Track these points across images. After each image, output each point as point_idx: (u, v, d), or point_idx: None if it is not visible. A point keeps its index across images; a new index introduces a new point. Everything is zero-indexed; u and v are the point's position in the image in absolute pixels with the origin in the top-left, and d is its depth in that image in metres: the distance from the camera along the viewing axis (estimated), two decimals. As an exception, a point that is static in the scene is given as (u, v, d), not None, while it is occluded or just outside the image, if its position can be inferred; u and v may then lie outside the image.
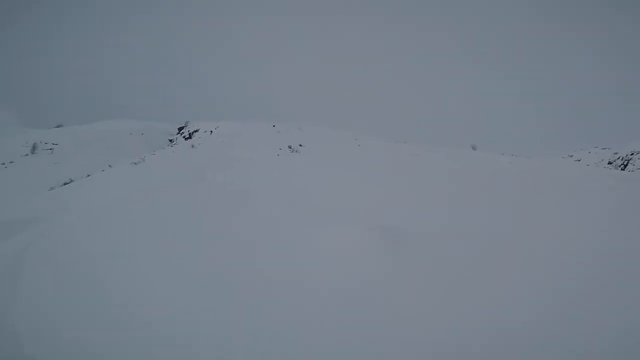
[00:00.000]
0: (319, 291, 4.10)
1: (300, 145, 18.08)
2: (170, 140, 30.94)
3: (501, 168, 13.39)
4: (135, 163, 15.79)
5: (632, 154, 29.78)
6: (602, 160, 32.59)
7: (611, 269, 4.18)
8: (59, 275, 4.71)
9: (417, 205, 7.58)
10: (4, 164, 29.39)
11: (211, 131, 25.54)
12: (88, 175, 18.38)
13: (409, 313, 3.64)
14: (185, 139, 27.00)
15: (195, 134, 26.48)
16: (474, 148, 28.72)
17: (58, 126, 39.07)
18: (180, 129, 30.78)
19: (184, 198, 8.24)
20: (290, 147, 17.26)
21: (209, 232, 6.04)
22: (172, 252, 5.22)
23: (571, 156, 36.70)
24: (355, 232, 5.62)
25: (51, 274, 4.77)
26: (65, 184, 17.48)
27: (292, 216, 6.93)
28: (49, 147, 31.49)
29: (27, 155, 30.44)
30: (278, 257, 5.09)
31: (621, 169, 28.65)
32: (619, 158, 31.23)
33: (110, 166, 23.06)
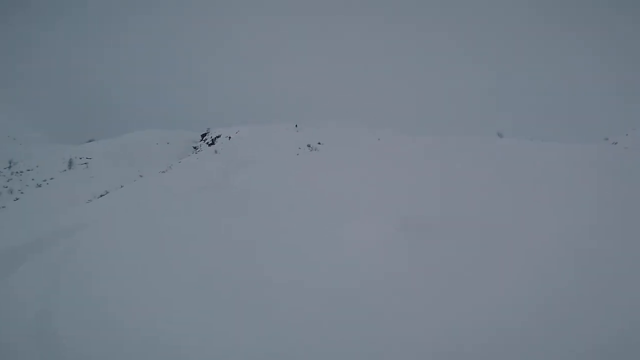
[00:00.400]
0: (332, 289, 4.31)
1: (319, 144, 18.38)
2: (195, 148, 31.99)
3: (530, 155, 12.98)
4: (163, 172, 16.57)
5: None
6: None
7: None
8: (84, 291, 4.90)
9: (440, 197, 7.60)
10: (45, 180, 31.33)
11: (232, 137, 26.24)
12: (122, 186, 19.41)
13: (425, 305, 3.80)
14: (209, 145, 27.88)
15: (217, 139, 27.31)
16: (500, 135, 28.05)
17: (90, 140, 41.15)
18: (203, 135, 31.78)
19: (208, 202, 8.68)
20: (309, 146, 17.60)
21: (232, 234, 6.35)
22: (194, 256, 5.52)
23: (607, 139, 34.63)
24: (376, 226, 5.76)
25: (91, 278, 5.09)
26: (101, 195, 18.53)
27: (312, 213, 7.17)
28: (84, 162, 33.24)
29: (65, 170, 32.29)
30: (298, 252, 5.32)
31: None
32: None
33: (141, 176, 24.19)
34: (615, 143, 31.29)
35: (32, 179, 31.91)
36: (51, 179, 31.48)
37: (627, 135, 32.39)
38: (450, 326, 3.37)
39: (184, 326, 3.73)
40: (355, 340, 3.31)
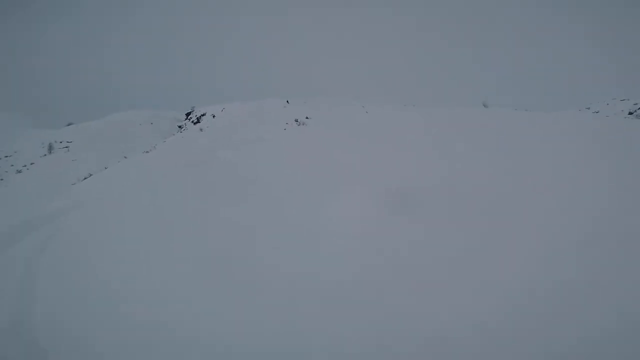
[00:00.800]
0: (329, 260, 4.24)
1: (307, 118, 18.05)
2: (180, 127, 31.27)
3: (514, 123, 13.00)
4: (147, 152, 16.13)
5: None
6: (622, 111, 31.16)
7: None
8: (70, 273, 4.77)
9: (425, 165, 7.57)
10: (25, 165, 30.39)
11: (217, 114, 25.64)
12: (105, 168, 18.92)
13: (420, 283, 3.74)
14: (194, 123, 27.24)
15: (202, 117, 26.67)
16: (485, 105, 27.97)
17: (69, 124, 39.84)
18: (188, 114, 31.01)
19: (194, 179, 8.48)
20: (297, 121, 17.27)
21: (217, 213, 6.21)
22: (180, 239, 5.38)
23: (588, 108, 35.24)
24: (363, 196, 5.70)
25: (64, 272, 4.85)
26: (85, 178, 18.04)
27: (300, 188, 7.07)
28: (65, 146, 32.28)
29: (45, 155, 31.32)
30: (288, 229, 5.24)
31: None
32: (639, 108, 29.87)
33: (125, 157, 23.61)
34: (597, 112, 31.91)
35: (11, 165, 30.94)
36: (31, 164, 30.54)
37: (607, 104, 33.08)
38: (441, 307, 3.30)
39: (179, 307, 3.67)
40: (353, 318, 3.25)
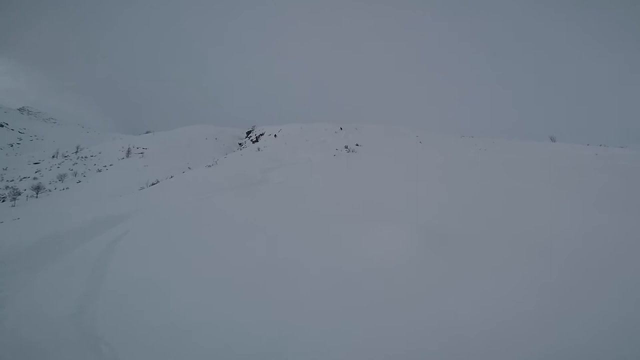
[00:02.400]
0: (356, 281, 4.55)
1: (357, 145, 18.51)
2: (240, 144, 33.31)
3: (584, 162, 12.33)
4: (209, 166, 17.57)
5: None
6: None
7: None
8: (131, 272, 5.29)
9: (473, 205, 7.54)
10: (105, 166, 34.15)
11: (275, 134, 27.05)
12: (171, 177, 20.79)
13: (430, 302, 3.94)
14: (253, 142, 28.94)
15: (261, 137, 28.28)
16: (553, 140, 26.31)
17: (147, 132, 44.22)
18: (248, 132, 33.02)
19: (247, 198, 9.23)
20: (347, 147, 17.80)
21: (271, 232, 6.76)
22: (232, 251, 5.96)
23: None
24: (398, 234, 5.88)
25: (126, 270, 5.39)
26: (152, 184, 19.98)
27: (342, 214, 7.43)
28: (140, 152, 35.84)
29: (123, 158, 35.01)
30: (324, 250, 5.60)
31: None
32: None
33: (189, 168, 25.70)
34: None
35: (94, 165, 34.92)
36: (110, 165, 34.23)
37: None
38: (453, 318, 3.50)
39: (226, 315, 3.96)
40: (364, 327, 3.48)
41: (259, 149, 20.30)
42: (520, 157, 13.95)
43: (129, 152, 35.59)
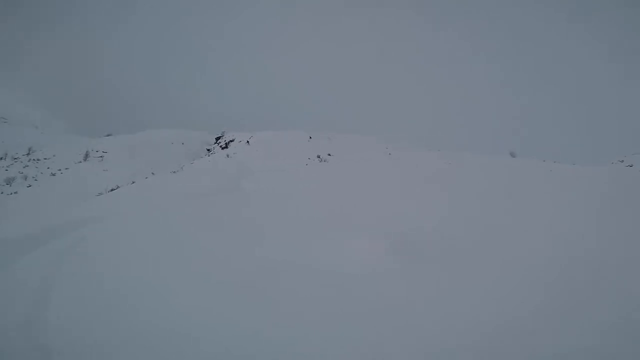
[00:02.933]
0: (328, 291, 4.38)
1: (329, 155, 18.48)
2: (208, 150, 32.43)
3: (540, 176, 12.96)
4: (174, 172, 16.84)
5: None
6: None
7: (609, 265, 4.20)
8: (91, 280, 5.01)
9: (440, 216, 7.67)
10: (60, 170, 32.05)
11: (247, 141, 26.57)
12: (133, 182, 19.76)
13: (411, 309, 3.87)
14: (222, 148, 28.25)
15: (231, 143, 27.68)
16: (512, 155, 27.49)
17: (107, 135, 42.15)
18: (217, 138, 32.24)
19: (215, 206, 8.82)
20: (319, 157, 17.71)
21: (240, 239, 6.47)
22: (198, 258, 5.64)
23: (622, 161, 33.71)
24: (372, 240, 5.81)
25: (84, 278, 5.08)
26: (112, 189, 18.87)
27: (315, 225, 7.26)
28: (100, 155, 33.97)
29: (80, 162, 33.02)
30: (296, 265, 5.40)
31: None
32: None
33: (153, 174, 24.61)
34: (631, 165, 30.60)
35: (48, 168, 32.69)
36: (66, 168, 32.17)
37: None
38: (450, 321, 3.47)
39: (191, 316, 3.88)
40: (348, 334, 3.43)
41: (228, 156, 19.78)
42: (482, 170, 14.50)
43: (87, 155, 33.66)
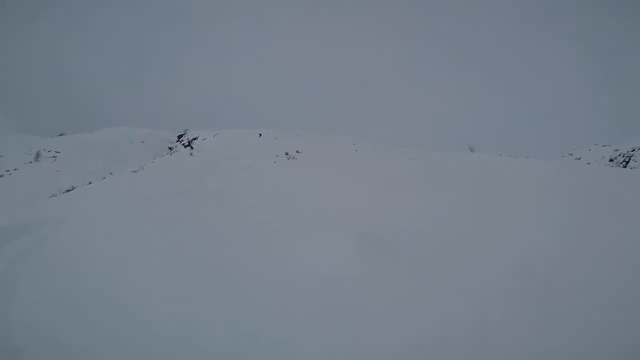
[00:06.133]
0: (304, 291, 4.38)
1: (297, 152, 18.40)
2: (170, 148, 31.36)
3: (497, 170, 13.67)
4: (135, 171, 16.13)
5: (633, 150, 28.91)
6: (603, 157, 31.59)
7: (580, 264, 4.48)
8: (54, 279, 4.94)
9: (407, 209, 7.87)
10: (8, 171, 29.86)
11: (209, 139, 25.92)
12: (89, 183, 18.76)
13: (384, 310, 3.92)
14: (185, 146, 27.41)
15: (194, 141, 26.89)
16: (471, 150, 28.67)
17: (60, 134, 39.65)
18: (180, 136, 31.21)
19: (179, 206, 8.54)
20: (287, 154, 17.59)
21: (204, 241, 6.30)
22: (164, 257, 5.47)
23: (571, 154, 35.96)
24: (341, 239, 5.84)
25: (47, 277, 5.01)
26: (67, 191, 17.82)
27: (283, 223, 7.22)
28: (52, 155, 31.96)
29: (30, 162, 30.91)
30: (267, 261, 5.36)
31: (623, 166, 28.14)
32: (620, 155, 30.32)
33: (111, 174, 23.49)
34: (579, 158, 32.82)
35: (-6, 169, 30.38)
36: (15, 169, 30.04)
37: (589, 150, 33.92)
38: (423, 321, 3.55)
39: (146, 316, 3.83)
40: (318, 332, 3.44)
41: (191, 154, 19.21)
42: (444, 165, 15.05)
43: (38, 155, 31.56)
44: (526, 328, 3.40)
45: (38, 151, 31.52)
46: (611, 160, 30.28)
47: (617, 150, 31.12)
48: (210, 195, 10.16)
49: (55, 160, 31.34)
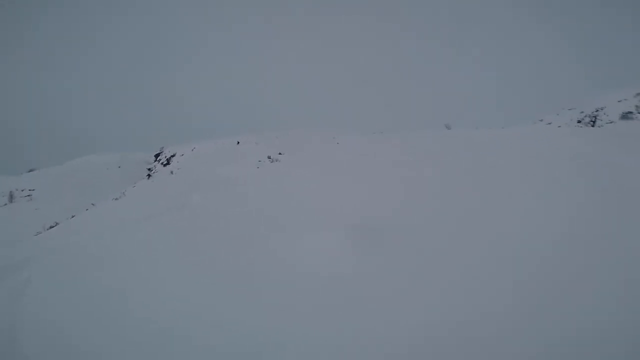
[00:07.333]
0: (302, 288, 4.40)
1: (280, 154, 18.33)
2: (149, 169, 30.74)
3: (476, 142, 13.81)
4: (116, 198, 15.76)
5: (597, 110, 30.16)
6: (572, 120, 32.66)
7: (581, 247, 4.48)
8: (58, 302, 5.13)
9: (396, 198, 7.89)
10: (-18, 217, 28.71)
11: (187, 154, 25.52)
12: (73, 217, 18.24)
13: (379, 304, 3.94)
14: (164, 165, 26.89)
15: (172, 159, 26.41)
16: (448, 127, 29.02)
17: (30, 170, 38.28)
18: (157, 155, 30.56)
19: (165, 229, 8.41)
20: (270, 158, 17.50)
21: (194, 258, 6.23)
22: (160, 274, 5.46)
23: (541, 120, 36.91)
24: (331, 234, 5.83)
25: (51, 302, 5.18)
26: (51, 227, 17.31)
27: (273, 224, 7.21)
28: (27, 194, 30.91)
29: (5, 205, 29.80)
30: (262, 262, 5.38)
31: (591, 126, 29.16)
32: (586, 116, 31.43)
33: (93, 204, 22.87)
34: (550, 123, 33.78)
35: (-33, 217, 29.15)
36: (-11, 215, 28.94)
37: (557, 115, 34.97)
38: (419, 317, 3.56)
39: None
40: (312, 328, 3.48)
41: (172, 172, 18.90)
42: (428, 146, 15.13)
43: (11, 196, 30.48)
44: (526, 325, 3.34)
45: (11, 191, 30.46)
46: (579, 122, 31.25)
47: (582, 112, 32.21)
48: (195, 210, 10.01)
49: (31, 199, 30.34)
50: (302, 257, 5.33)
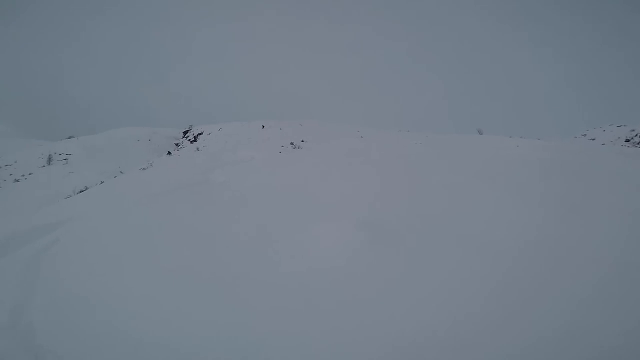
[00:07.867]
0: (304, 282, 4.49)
1: (303, 142, 18.48)
2: (177, 145, 31.69)
3: (506, 152, 13.35)
4: (144, 169, 16.41)
5: None
6: (619, 138, 30.68)
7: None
8: (75, 274, 5.21)
9: (409, 197, 7.82)
10: (24, 175, 30.58)
11: (214, 134, 26.11)
12: (102, 183, 19.15)
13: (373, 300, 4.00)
14: (191, 142, 27.64)
15: (200, 137, 27.11)
16: (480, 133, 28.12)
17: (70, 137, 40.35)
18: (185, 132, 31.45)
19: (188, 201, 8.74)
20: (293, 144, 17.69)
21: (210, 231, 6.49)
22: (176, 253, 5.67)
23: (585, 135, 35.08)
24: (345, 228, 5.89)
25: (68, 274, 5.28)
26: (81, 191, 18.24)
27: (289, 213, 7.32)
28: (64, 158, 32.62)
29: (44, 166, 31.62)
30: (273, 252, 5.49)
31: None
32: (637, 135, 29.57)
33: (121, 173, 23.90)
34: (593, 139, 31.99)
35: (10, 175, 31.12)
36: (30, 174, 30.78)
37: (604, 131, 32.92)
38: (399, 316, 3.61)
39: (168, 321, 3.90)
40: (320, 327, 3.55)
41: (198, 149, 19.43)
42: (453, 149, 14.82)
43: (50, 159, 32.25)
44: (527, 322, 3.33)
45: (50, 155, 32.24)
46: (627, 140, 29.30)
47: (633, 130, 30.15)
48: (216, 188, 10.33)
49: (67, 162, 32.00)
50: (309, 251, 5.36)
